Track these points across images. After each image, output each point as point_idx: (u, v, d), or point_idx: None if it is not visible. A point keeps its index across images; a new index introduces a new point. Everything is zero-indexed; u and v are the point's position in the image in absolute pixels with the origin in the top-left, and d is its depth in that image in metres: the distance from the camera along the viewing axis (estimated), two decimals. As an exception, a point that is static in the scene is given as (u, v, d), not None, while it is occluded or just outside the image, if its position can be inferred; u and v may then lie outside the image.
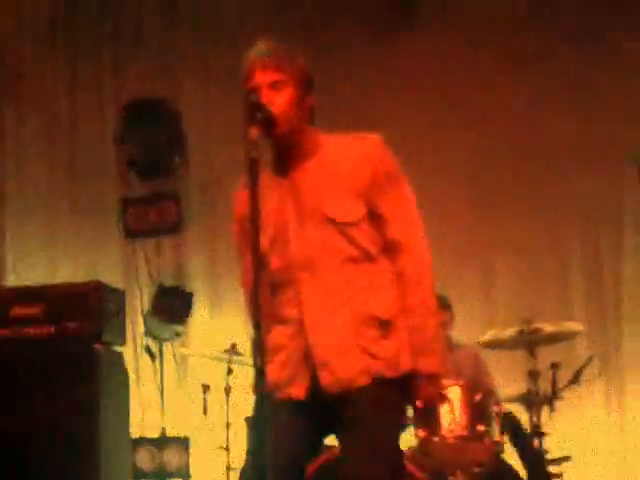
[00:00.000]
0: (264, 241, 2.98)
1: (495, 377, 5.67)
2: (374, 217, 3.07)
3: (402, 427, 3.21)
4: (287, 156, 3.11)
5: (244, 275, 3.21)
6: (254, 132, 2.92)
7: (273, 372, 2.98)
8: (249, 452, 3.16)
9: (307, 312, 3.04)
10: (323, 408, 3.04)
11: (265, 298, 3.05)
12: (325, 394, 3.01)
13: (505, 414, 5.03)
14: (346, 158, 3.08)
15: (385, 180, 3.07)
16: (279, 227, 3.07)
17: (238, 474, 3.20)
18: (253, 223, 2.80)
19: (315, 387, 3.03)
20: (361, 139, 3.11)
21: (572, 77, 6.65)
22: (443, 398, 4.73)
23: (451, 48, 6.79)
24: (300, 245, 3.05)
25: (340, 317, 3.02)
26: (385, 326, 3.04)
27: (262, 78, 3.04)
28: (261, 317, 2.79)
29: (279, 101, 3.02)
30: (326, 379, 3.01)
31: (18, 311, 5.41)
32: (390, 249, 3.09)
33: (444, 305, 5.65)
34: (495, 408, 5.03)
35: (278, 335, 3.08)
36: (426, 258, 3.09)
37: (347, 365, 3.01)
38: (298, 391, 3.06)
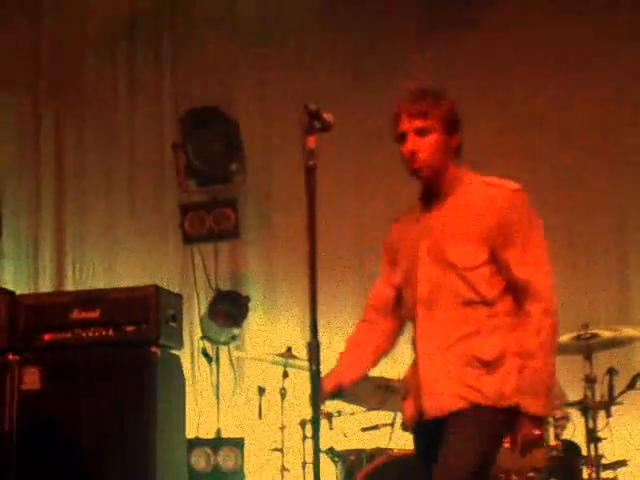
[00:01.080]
0: (398, 276, 3.36)
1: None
2: (498, 262, 3.20)
3: (495, 451, 3.25)
4: (430, 194, 3.33)
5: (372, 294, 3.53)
6: (311, 141, 3.02)
7: (408, 407, 3.35)
8: None
9: (420, 347, 3.26)
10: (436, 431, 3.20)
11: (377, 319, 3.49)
12: (428, 419, 3.22)
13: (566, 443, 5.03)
14: (477, 203, 3.24)
15: (513, 229, 3.19)
16: (411, 264, 3.29)
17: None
18: (310, 231, 3.01)
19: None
20: (496, 186, 3.26)
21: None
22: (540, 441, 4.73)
23: (514, 46, 6.79)
24: (424, 284, 3.25)
25: (448, 356, 3.20)
26: (488, 365, 3.17)
27: (409, 125, 3.25)
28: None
29: (424, 147, 3.22)
30: (428, 404, 3.22)
31: (78, 315, 5.49)
32: (516, 293, 3.20)
33: None
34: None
35: (410, 369, 3.35)
36: (550, 305, 3.20)
37: (449, 393, 3.18)
38: (418, 417, 3.30)
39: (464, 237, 3.21)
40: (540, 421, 3.19)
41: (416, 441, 3.39)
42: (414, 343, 3.30)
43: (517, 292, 3.20)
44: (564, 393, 5.47)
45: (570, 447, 5.21)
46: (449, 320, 3.21)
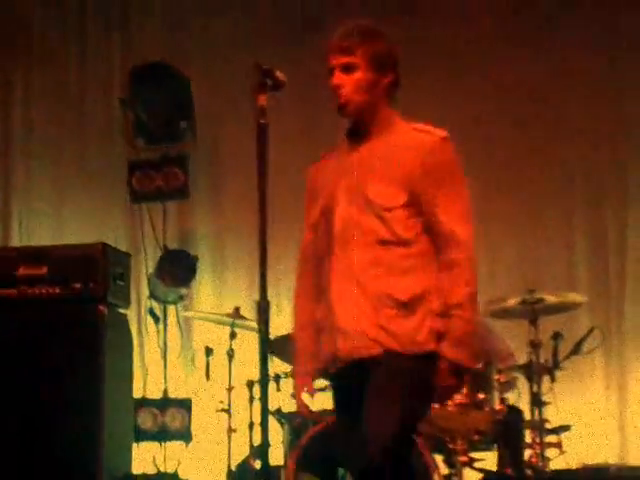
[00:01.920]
0: (316, 212, 3.29)
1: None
2: (417, 206, 3.16)
3: (421, 403, 3.24)
4: (357, 132, 3.28)
5: (301, 248, 3.42)
6: (263, 99, 3.01)
7: (324, 346, 3.23)
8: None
9: (334, 286, 3.19)
10: (354, 378, 3.17)
11: (313, 270, 3.33)
12: (344, 363, 3.17)
13: (510, 408, 5.09)
14: (403, 146, 3.20)
15: (438, 175, 3.17)
16: (328, 201, 3.24)
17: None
18: (260, 190, 3.00)
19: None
20: (424, 132, 3.23)
21: (588, 48, 6.66)
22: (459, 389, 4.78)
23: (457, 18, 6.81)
24: (340, 221, 3.20)
25: (362, 294, 3.15)
26: (404, 307, 3.14)
27: (335, 60, 3.22)
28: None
29: (347, 83, 3.19)
30: (342, 347, 3.16)
31: (24, 271, 5.44)
32: (438, 239, 3.17)
33: None
34: (497, 377, 5.08)
35: (322, 308, 3.25)
36: (473, 256, 3.16)
37: (362, 335, 3.13)
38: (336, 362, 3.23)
39: (385, 177, 3.17)
40: (463, 371, 3.16)
41: (335, 389, 3.33)
42: (328, 281, 3.22)
43: (440, 238, 3.16)
44: (514, 356, 5.54)
45: (514, 411, 5.28)
46: (363, 259, 3.16)
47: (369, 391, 3.10)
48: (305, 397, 3.35)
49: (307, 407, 3.36)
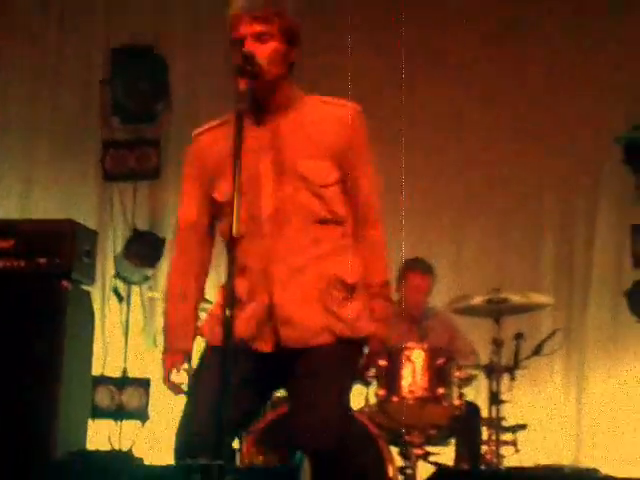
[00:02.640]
0: (227, 188, 2.94)
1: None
2: (345, 183, 3.12)
3: (353, 382, 3.29)
4: (265, 107, 3.11)
5: (184, 220, 3.30)
6: (242, 84, 2.94)
7: (237, 327, 2.86)
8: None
9: (275, 267, 3.06)
10: (282, 361, 3.08)
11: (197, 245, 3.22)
12: (287, 349, 3.06)
13: (468, 403, 5.13)
14: (326, 121, 3.11)
15: (359, 150, 3.14)
16: (250, 177, 3.02)
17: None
18: (236, 177, 2.82)
19: (279, 342, 3.07)
20: (342, 105, 3.14)
21: (554, 50, 6.71)
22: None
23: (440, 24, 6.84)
24: (272, 199, 3.07)
25: (306, 276, 3.06)
26: (349, 289, 3.10)
27: (248, 29, 3.04)
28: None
29: (263, 52, 3.02)
30: (288, 335, 3.06)
31: (-12, 243, 5.39)
32: (359, 218, 3.15)
33: (429, 270, 5.71)
34: (457, 373, 5.11)
35: (243, 285, 3.07)
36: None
37: (310, 322, 3.06)
38: (265, 345, 3.08)
39: (315, 152, 3.07)
40: (385, 343, 3.23)
41: (246, 363, 3.00)
42: (253, 262, 3.05)
43: (362, 210, 3.15)
44: (477, 354, 5.59)
45: (472, 407, 5.33)
46: (303, 238, 3.06)
47: (307, 375, 3.04)
48: (174, 376, 3.26)
49: (179, 388, 3.26)
